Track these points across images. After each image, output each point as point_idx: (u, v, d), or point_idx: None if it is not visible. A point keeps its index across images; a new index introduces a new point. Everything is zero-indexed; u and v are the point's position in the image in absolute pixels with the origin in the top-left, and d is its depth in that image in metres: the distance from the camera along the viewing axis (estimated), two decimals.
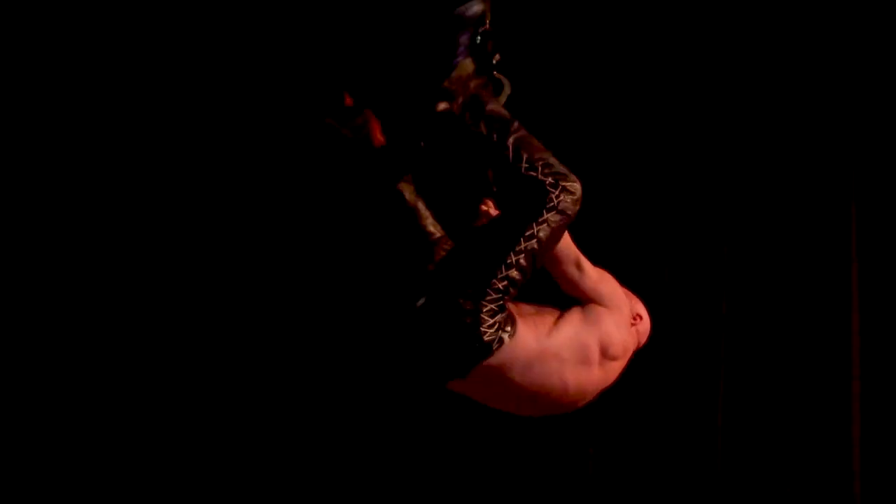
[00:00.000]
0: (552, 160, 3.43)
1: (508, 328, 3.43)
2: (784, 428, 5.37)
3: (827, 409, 5.33)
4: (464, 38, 3.48)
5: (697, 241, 5.53)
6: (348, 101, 3.62)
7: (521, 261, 3.40)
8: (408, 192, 3.63)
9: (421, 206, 3.64)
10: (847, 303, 5.35)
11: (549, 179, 3.40)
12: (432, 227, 3.62)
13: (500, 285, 3.39)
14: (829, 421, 5.33)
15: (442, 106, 3.46)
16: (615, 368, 3.65)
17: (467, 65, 3.50)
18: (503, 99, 3.57)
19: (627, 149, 5.57)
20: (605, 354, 3.59)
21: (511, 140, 3.43)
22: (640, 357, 3.81)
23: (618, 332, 3.60)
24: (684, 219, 5.53)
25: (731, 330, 5.47)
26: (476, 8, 3.48)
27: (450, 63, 3.47)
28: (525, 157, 3.41)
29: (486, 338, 3.40)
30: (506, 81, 3.61)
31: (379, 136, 3.62)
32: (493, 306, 3.40)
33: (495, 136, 3.44)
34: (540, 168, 3.40)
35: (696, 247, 5.53)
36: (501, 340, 3.42)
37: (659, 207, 5.55)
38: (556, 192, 3.39)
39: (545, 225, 3.40)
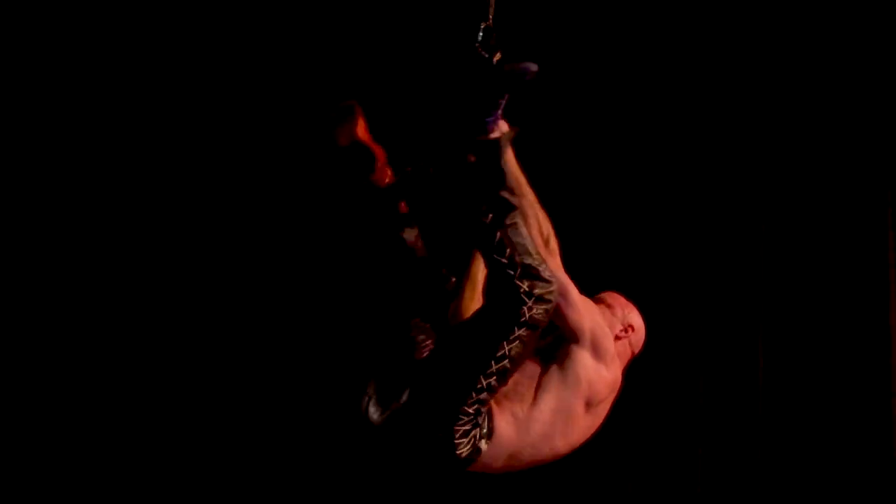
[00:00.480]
0: (533, 261, 3.35)
1: (485, 430, 3.39)
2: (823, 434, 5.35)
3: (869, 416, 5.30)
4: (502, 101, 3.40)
5: (734, 242, 5.51)
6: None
7: (493, 382, 3.35)
8: (411, 235, 3.58)
9: (422, 248, 3.58)
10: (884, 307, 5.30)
11: (525, 286, 3.33)
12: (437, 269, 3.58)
13: (471, 410, 3.35)
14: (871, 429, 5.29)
15: (470, 158, 3.40)
16: (605, 407, 3.61)
17: (503, 127, 3.43)
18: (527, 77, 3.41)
19: (661, 148, 5.59)
20: (591, 403, 3.53)
21: (502, 230, 3.36)
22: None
23: (600, 375, 3.54)
24: (722, 221, 5.53)
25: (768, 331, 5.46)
26: (533, 67, 3.37)
27: (484, 120, 3.39)
28: (508, 251, 3.35)
29: (462, 455, 3.38)
30: (520, 66, 3.43)
31: (361, 133, 3.52)
32: (465, 427, 3.36)
33: (490, 216, 3.37)
34: (519, 271, 3.33)
35: (733, 249, 5.51)
36: (479, 450, 3.40)
37: (695, 206, 5.54)
38: (530, 304, 3.33)
39: (517, 343, 3.35)
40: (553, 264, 3.44)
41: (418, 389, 3.38)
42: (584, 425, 3.55)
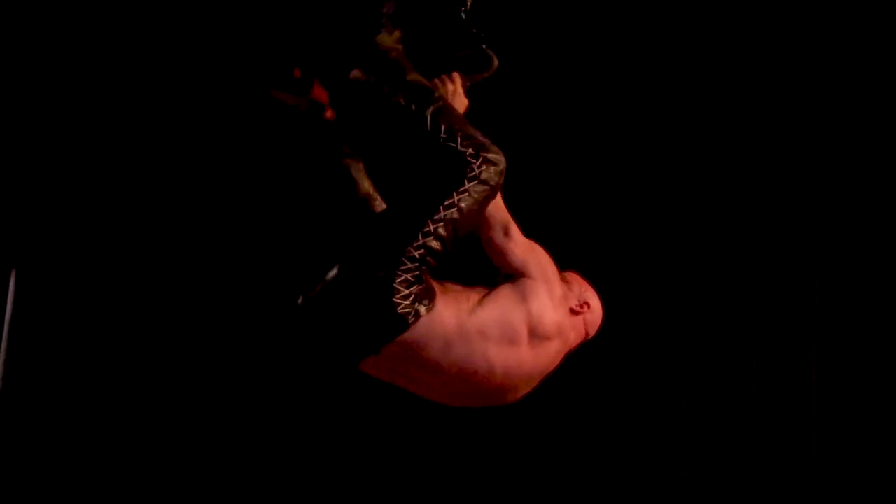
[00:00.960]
0: (473, 131, 3.35)
1: (426, 301, 3.29)
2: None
3: None
4: (388, 7, 3.42)
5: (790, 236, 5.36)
6: (297, 73, 3.53)
7: (440, 230, 3.28)
8: (354, 167, 3.53)
9: (367, 184, 3.53)
10: None
11: (470, 150, 3.30)
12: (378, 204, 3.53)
13: (416, 254, 3.26)
14: None
15: (354, 73, 3.38)
16: (550, 350, 3.47)
17: (386, 36, 3.42)
18: (487, 74, 3.54)
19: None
20: (535, 333, 3.42)
21: (430, 110, 3.34)
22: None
23: (549, 310, 3.44)
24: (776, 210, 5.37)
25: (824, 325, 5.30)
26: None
27: (373, 32, 3.40)
28: (444, 127, 3.32)
29: (400, 310, 3.26)
30: (493, 56, 3.55)
31: (327, 106, 3.52)
32: (408, 276, 3.26)
33: (413, 106, 3.36)
34: (459, 139, 3.31)
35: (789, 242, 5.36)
36: (418, 314, 3.28)
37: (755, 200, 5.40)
38: (478, 163, 3.30)
39: (466, 194, 3.29)
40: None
41: (362, 234, 3.35)
42: (524, 354, 3.41)
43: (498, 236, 3.45)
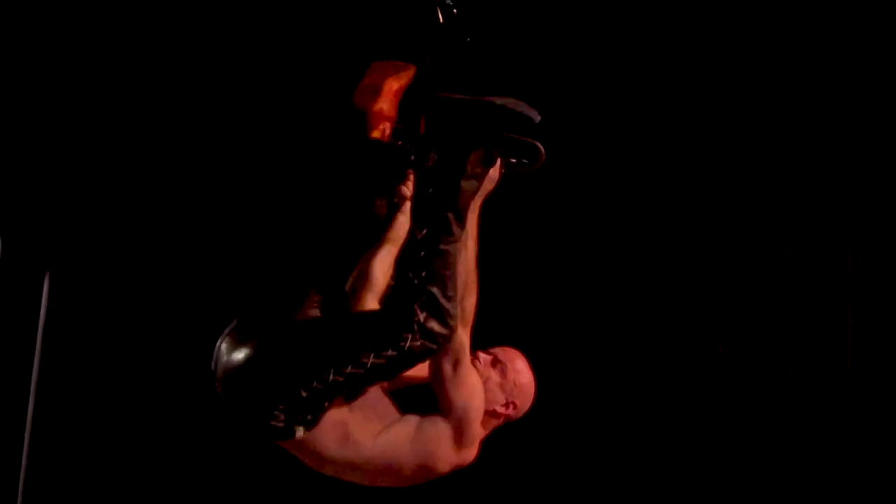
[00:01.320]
0: (444, 300, 3.10)
1: (309, 419, 3.19)
2: None
3: None
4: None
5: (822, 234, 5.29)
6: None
7: (339, 380, 3.13)
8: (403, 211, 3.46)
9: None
10: None
11: (421, 317, 3.10)
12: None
13: (303, 393, 3.15)
14: None
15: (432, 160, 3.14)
16: (434, 475, 3.37)
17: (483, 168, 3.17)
18: (530, 168, 3.24)
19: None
20: (421, 471, 3.33)
21: (429, 251, 3.12)
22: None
23: (449, 459, 3.31)
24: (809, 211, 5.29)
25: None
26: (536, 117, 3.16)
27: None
28: (423, 275, 3.11)
29: (274, 422, 3.19)
30: (542, 151, 3.25)
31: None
32: (289, 406, 3.18)
33: (423, 232, 3.13)
34: (424, 299, 3.10)
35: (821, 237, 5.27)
36: (292, 433, 3.21)
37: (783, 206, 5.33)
38: (416, 335, 3.12)
39: (383, 360, 3.12)
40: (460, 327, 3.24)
41: (273, 347, 3.19)
42: (402, 479, 3.36)
43: (446, 365, 3.26)
